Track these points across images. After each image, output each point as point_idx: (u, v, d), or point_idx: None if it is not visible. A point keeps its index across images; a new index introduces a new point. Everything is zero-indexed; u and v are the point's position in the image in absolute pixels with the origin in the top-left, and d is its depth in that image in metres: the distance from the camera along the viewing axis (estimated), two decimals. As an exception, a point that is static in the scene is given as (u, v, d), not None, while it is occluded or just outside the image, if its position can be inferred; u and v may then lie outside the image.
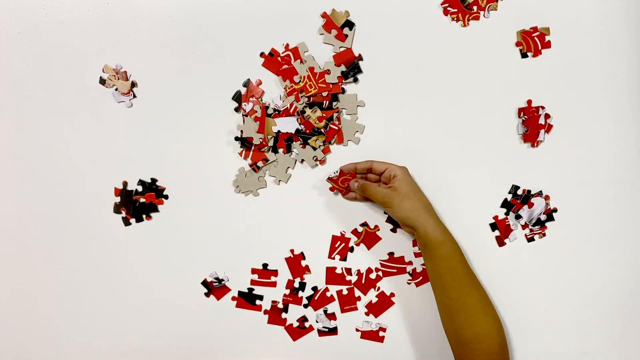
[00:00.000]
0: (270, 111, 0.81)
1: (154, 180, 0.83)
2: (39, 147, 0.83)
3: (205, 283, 0.84)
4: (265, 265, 0.85)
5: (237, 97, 0.82)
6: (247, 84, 0.81)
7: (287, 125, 0.82)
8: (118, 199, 0.83)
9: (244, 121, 0.82)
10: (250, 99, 0.81)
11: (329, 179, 0.82)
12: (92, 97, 0.82)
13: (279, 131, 0.82)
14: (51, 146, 0.82)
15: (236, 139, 0.82)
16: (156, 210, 0.84)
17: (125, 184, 0.83)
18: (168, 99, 0.82)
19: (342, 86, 0.81)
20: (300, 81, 0.81)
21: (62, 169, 0.83)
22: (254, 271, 0.84)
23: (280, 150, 0.82)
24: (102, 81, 0.81)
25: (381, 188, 0.78)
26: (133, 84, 0.81)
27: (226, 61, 0.81)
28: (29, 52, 0.81)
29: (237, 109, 0.82)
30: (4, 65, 0.81)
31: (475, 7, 0.81)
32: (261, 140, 0.81)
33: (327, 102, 0.81)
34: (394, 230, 0.84)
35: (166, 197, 0.83)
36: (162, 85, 0.82)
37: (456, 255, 0.76)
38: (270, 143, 0.82)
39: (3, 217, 0.84)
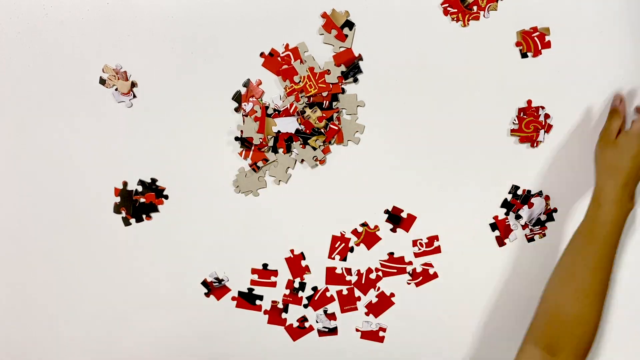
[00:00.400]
0: (270, 111, 0.81)
1: (154, 180, 0.83)
2: (39, 147, 0.83)
3: (205, 283, 0.84)
4: (265, 265, 0.85)
5: (237, 97, 0.82)
6: (247, 84, 0.81)
7: (287, 125, 0.82)
8: (118, 199, 0.83)
9: (244, 121, 0.82)
10: (250, 99, 0.81)
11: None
12: (92, 97, 0.82)
13: (278, 131, 0.82)
14: (51, 146, 0.82)
15: (236, 139, 0.82)
16: (156, 210, 0.84)
17: (125, 184, 0.83)
18: (168, 99, 0.82)
19: (342, 86, 0.81)
20: (300, 81, 0.81)
21: (62, 169, 0.83)
22: (254, 271, 0.84)
23: (280, 150, 0.82)
24: (102, 81, 0.81)
25: (617, 123, 0.76)
26: (133, 84, 0.81)
27: (226, 61, 0.81)
28: (29, 52, 0.81)
29: (237, 109, 0.82)
30: (4, 65, 0.81)
31: (475, 7, 0.81)
32: (261, 140, 0.81)
33: (327, 102, 0.81)
34: (393, 230, 0.84)
35: (166, 197, 0.83)
36: (162, 85, 0.82)
37: (615, 235, 0.73)
38: (270, 143, 0.82)
39: (3, 217, 0.84)
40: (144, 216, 0.83)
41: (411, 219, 0.83)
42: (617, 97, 0.80)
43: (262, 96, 0.82)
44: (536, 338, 0.73)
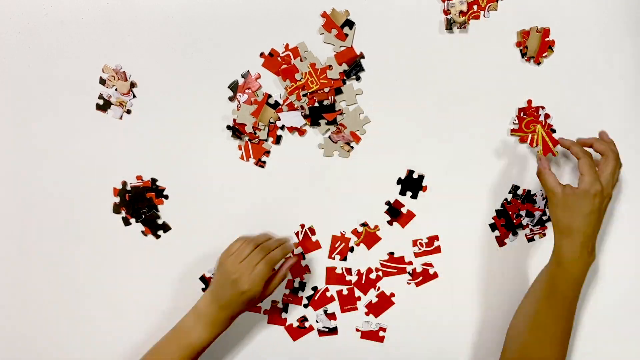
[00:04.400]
0: (272, 101, 0.81)
1: (154, 180, 0.83)
2: (39, 147, 0.83)
3: (203, 278, 0.84)
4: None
5: (234, 87, 0.81)
6: (245, 75, 0.81)
7: (292, 119, 0.81)
8: (117, 199, 0.83)
9: (238, 108, 0.81)
10: (246, 90, 0.81)
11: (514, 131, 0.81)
12: (92, 97, 0.82)
13: (270, 121, 0.81)
14: (51, 146, 0.82)
15: (228, 127, 0.82)
16: (156, 209, 0.84)
17: (124, 183, 0.83)
18: (168, 99, 0.82)
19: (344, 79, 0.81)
20: (302, 78, 0.81)
21: (62, 169, 0.83)
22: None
23: (270, 140, 0.81)
24: (102, 81, 0.81)
25: (552, 180, 0.74)
26: (132, 84, 0.81)
27: (226, 61, 0.81)
28: (29, 52, 0.81)
29: (231, 98, 0.81)
30: (4, 65, 0.81)
31: (475, 7, 0.81)
32: (253, 125, 0.81)
33: (332, 96, 0.81)
34: (390, 223, 0.84)
35: (166, 197, 0.83)
36: (162, 86, 0.82)
37: (577, 288, 0.74)
38: (264, 136, 0.81)
39: (2, 217, 0.84)
40: (144, 216, 0.83)
41: (410, 215, 0.83)
42: (538, 158, 0.80)
43: (258, 90, 0.81)
44: None
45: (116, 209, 0.83)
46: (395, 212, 0.84)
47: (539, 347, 0.74)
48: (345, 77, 0.81)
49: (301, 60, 0.81)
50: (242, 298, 0.73)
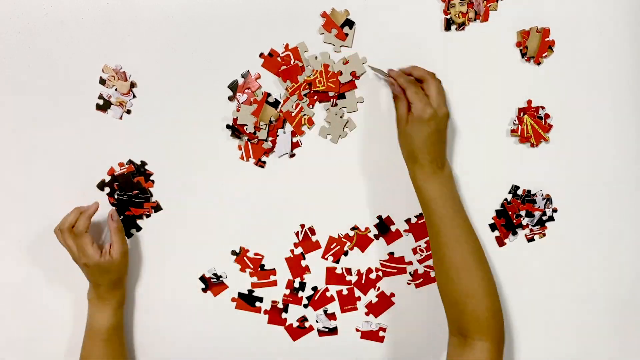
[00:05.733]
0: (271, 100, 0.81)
1: (147, 176, 0.83)
2: (39, 147, 0.82)
3: (203, 278, 0.84)
4: (262, 266, 0.85)
5: (233, 87, 0.81)
6: (245, 75, 0.81)
7: (283, 146, 0.82)
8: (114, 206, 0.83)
9: (237, 109, 0.81)
10: (246, 90, 0.81)
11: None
12: (92, 97, 0.82)
13: (271, 120, 0.82)
14: (51, 146, 0.82)
15: (228, 126, 0.82)
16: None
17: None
18: (168, 99, 0.82)
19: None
20: (311, 74, 0.80)
21: (62, 169, 0.83)
22: (252, 274, 0.84)
23: (269, 140, 0.82)
24: (102, 81, 0.81)
25: (402, 109, 0.76)
26: (132, 84, 0.81)
27: (226, 61, 0.81)
28: (29, 52, 0.81)
29: (230, 98, 0.81)
30: (4, 65, 0.81)
31: (474, 12, 0.80)
32: (254, 125, 0.81)
33: (334, 100, 0.81)
34: (377, 237, 0.84)
35: (161, 208, 0.83)
36: (162, 86, 0.82)
37: (446, 208, 0.75)
38: (263, 136, 0.81)
39: (2, 217, 0.84)
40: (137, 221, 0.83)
41: (397, 234, 0.84)
42: (390, 83, 0.78)
43: (258, 90, 0.81)
44: (449, 329, 0.76)
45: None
46: (384, 228, 0.84)
47: (448, 281, 0.74)
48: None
49: (316, 58, 0.80)
50: (90, 271, 0.78)
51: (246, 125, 0.81)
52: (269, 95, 0.81)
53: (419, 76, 0.77)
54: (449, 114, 0.76)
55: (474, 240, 0.76)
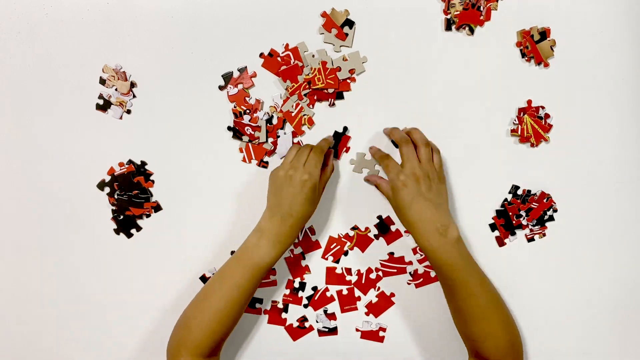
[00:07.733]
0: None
1: (153, 182, 0.83)
2: (38, 147, 0.83)
3: (203, 278, 0.84)
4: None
5: (227, 77, 0.81)
6: (242, 70, 0.81)
7: (284, 146, 0.82)
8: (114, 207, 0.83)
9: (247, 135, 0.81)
10: (238, 85, 0.81)
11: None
12: (92, 97, 0.82)
13: (269, 119, 0.82)
14: (50, 146, 0.82)
15: (229, 128, 0.82)
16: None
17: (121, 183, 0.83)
18: (168, 99, 0.82)
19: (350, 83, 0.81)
20: (310, 73, 0.80)
21: (62, 169, 0.83)
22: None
23: (270, 141, 0.82)
24: (102, 81, 0.81)
25: (385, 186, 0.79)
26: (132, 84, 0.81)
27: (226, 61, 0.81)
28: (29, 52, 0.81)
29: (221, 87, 0.81)
30: (4, 65, 0.81)
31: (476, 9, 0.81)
32: (233, 111, 0.81)
33: (332, 99, 0.81)
34: (377, 237, 0.84)
35: (160, 208, 0.83)
36: (162, 86, 0.82)
37: (457, 271, 0.73)
38: (263, 138, 0.82)
39: (2, 217, 0.84)
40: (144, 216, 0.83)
41: (397, 234, 0.84)
42: (365, 179, 0.82)
43: (250, 87, 0.81)
44: (468, 351, 0.78)
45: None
46: (384, 228, 0.83)
47: (474, 323, 0.74)
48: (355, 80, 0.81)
49: (313, 56, 0.80)
50: (303, 194, 0.73)
51: (247, 126, 0.81)
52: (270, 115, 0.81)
53: (397, 140, 0.77)
54: (430, 179, 0.74)
55: (488, 290, 0.76)
